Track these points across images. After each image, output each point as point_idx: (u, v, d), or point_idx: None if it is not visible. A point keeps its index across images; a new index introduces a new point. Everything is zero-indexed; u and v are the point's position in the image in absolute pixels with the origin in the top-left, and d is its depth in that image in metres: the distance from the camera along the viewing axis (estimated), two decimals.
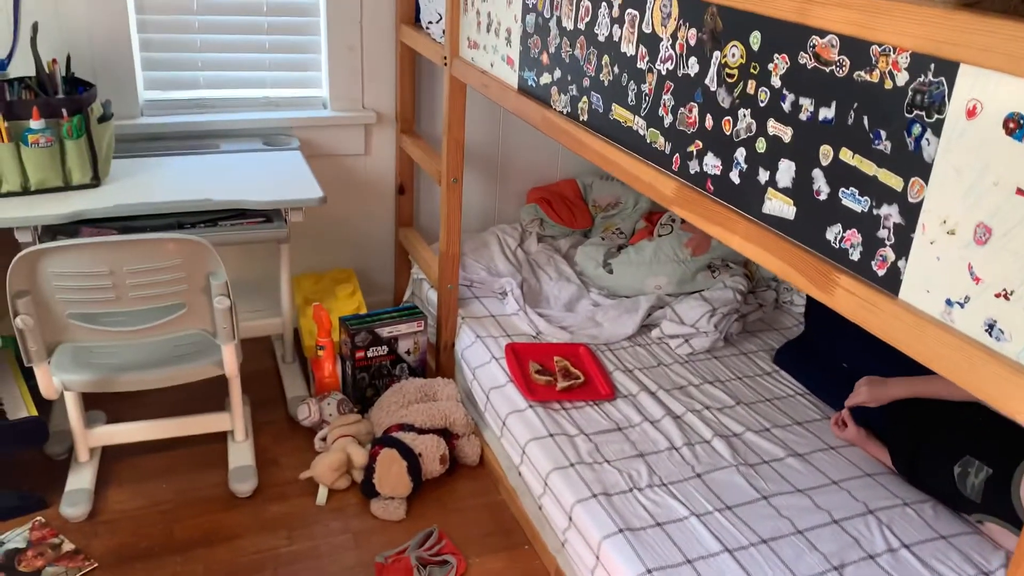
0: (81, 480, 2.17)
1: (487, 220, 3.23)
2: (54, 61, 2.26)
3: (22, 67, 2.31)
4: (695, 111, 1.34)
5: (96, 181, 2.26)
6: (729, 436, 2.15)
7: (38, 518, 2.11)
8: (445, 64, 2.32)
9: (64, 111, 2.14)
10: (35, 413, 2.17)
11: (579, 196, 3.23)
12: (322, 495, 2.23)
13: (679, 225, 2.86)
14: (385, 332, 2.53)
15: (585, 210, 3.20)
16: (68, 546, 2.03)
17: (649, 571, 1.68)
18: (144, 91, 2.65)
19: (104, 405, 2.41)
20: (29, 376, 2.23)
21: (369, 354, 2.53)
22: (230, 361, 2.07)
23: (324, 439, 2.38)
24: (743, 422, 2.21)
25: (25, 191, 2.17)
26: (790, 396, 2.37)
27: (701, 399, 2.31)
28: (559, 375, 2.34)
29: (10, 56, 2.26)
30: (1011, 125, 0.86)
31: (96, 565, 1.98)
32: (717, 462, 2.05)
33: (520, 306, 2.66)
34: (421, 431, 2.31)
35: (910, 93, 0.97)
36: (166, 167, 2.45)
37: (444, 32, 2.33)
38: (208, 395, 2.51)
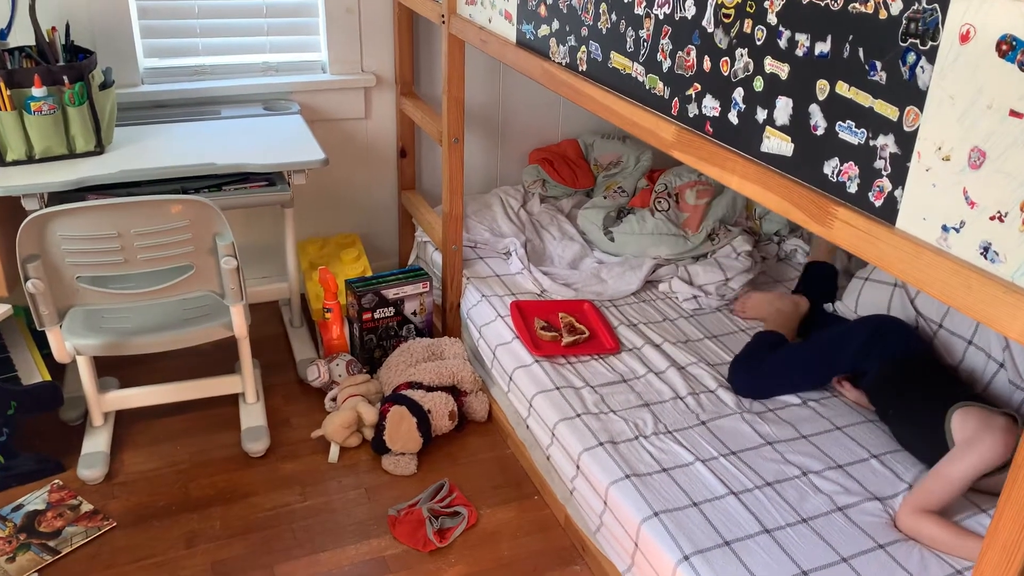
0: (97, 443, 2.21)
1: (489, 183, 3.23)
2: (53, 29, 2.27)
3: (21, 36, 2.32)
4: (693, 54, 1.35)
5: (100, 148, 2.27)
6: None
7: (56, 481, 2.15)
8: (443, 22, 2.32)
9: (66, 78, 2.15)
10: (48, 378, 2.20)
11: (580, 156, 3.23)
12: (334, 453, 2.26)
13: (675, 203, 2.83)
14: (391, 294, 2.55)
15: (587, 169, 3.20)
16: (86, 507, 2.07)
17: (656, 514, 1.71)
18: (144, 59, 2.65)
19: (117, 372, 2.44)
20: (42, 345, 2.27)
21: (376, 316, 2.55)
22: (239, 322, 2.10)
23: (334, 399, 2.42)
24: None
25: (30, 159, 2.18)
26: None
27: (705, 352, 2.33)
28: (564, 331, 2.36)
29: (9, 25, 2.26)
30: (1004, 47, 0.87)
31: (115, 524, 2.02)
32: (722, 410, 2.07)
33: (524, 265, 2.68)
34: (429, 389, 2.33)
35: (904, 21, 0.98)
36: (168, 134, 2.46)
37: None
38: (218, 361, 2.55)
